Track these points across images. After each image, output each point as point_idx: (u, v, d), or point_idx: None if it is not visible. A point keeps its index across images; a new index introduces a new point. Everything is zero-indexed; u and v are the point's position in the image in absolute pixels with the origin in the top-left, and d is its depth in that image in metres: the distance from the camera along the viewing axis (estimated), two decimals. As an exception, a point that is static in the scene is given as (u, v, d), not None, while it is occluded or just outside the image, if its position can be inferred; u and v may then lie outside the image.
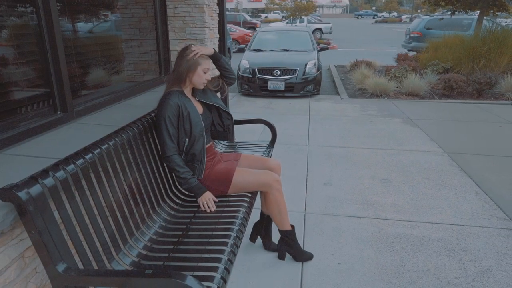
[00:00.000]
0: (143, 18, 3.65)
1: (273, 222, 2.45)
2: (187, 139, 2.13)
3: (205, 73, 2.19)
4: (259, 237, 2.63)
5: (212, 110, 2.39)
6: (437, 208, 3.14)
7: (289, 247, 2.44)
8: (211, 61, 2.25)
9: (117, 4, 3.52)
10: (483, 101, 7.14)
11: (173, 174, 2.13)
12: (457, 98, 7.34)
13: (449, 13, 11.93)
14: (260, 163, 2.42)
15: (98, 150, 1.71)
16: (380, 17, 62.88)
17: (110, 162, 1.76)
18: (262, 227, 2.58)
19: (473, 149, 4.55)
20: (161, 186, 2.20)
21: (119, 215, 1.75)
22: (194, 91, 2.29)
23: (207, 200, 2.14)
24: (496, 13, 10.50)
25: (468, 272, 2.35)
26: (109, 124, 2.41)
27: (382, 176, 3.76)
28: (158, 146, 2.25)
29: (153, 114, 2.29)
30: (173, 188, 2.33)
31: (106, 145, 1.77)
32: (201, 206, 2.14)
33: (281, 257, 2.48)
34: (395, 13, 70.38)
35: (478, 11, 10.39)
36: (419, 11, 53.91)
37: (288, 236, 2.40)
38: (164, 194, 2.21)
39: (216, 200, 2.20)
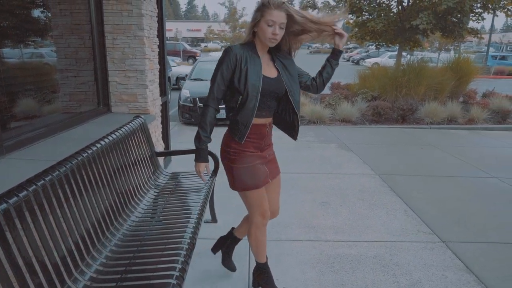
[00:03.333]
0: (80, 48, 3.57)
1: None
2: (240, 97, 1.97)
3: (269, 26, 1.87)
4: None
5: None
6: (371, 227, 3.37)
7: (262, 279, 2.40)
8: (283, 13, 1.87)
9: (51, 34, 3.42)
10: (407, 125, 7.87)
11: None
12: (384, 123, 8.00)
13: (374, 45, 13.12)
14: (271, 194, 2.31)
15: (34, 187, 1.63)
16: (314, 48, 66.76)
17: (46, 199, 1.69)
18: (225, 244, 2.57)
19: (401, 170, 4.97)
20: (101, 221, 2.12)
21: (56, 255, 1.67)
22: (275, 52, 2.03)
23: (200, 171, 2.15)
24: (413, 47, 11.77)
25: (400, 285, 2.54)
26: (45, 159, 2.30)
27: (321, 200, 3.96)
28: (102, 178, 2.19)
29: (94, 148, 2.23)
30: (115, 223, 2.27)
31: (42, 182, 1.70)
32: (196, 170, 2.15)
33: (255, 285, 2.45)
34: (327, 45, 75.34)
35: (398, 46, 11.56)
36: (348, 43, 58.27)
37: (262, 268, 2.40)
38: (104, 229, 2.14)
39: (209, 176, 2.35)
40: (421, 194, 4.14)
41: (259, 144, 2.12)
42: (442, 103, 8.52)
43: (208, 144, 2.13)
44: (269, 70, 2.03)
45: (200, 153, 2.10)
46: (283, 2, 1.87)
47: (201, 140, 2.06)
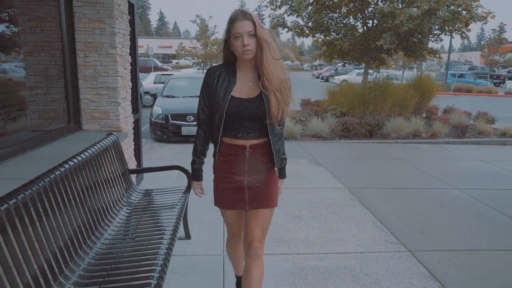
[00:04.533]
0: (50, 66, 3.55)
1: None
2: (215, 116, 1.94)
3: (235, 38, 1.78)
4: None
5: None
6: (342, 239, 3.48)
7: None
8: (248, 21, 1.77)
9: (17, 50, 3.39)
10: (374, 140, 8.18)
11: None
12: (353, 139, 8.27)
13: (341, 64, 13.62)
14: (250, 224, 2.14)
15: (5, 205, 1.62)
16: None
17: (18, 218, 1.67)
18: None
19: (369, 183, 5.16)
20: (74, 240, 2.10)
21: (28, 275, 1.65)
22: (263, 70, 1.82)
23: (193, 187, 2.28)
24: (378, 66, 12.31)
25: (370, 294, 2.64)
26: (14, 178, 2.27)
27: (293, 214, 4.04)
28: (75, 196, 2.18)
29: (66, 166, 2.22)
30: (88, 241, 2.24)
31: (14, 200, 1.68)
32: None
33: None
34: (297, 62, 77.21)
35: (364, 64, 12.07)
36: (317, 60, 59.98)
37: (239, 281, 2.51)
38: (77, 247, 2.12)
39: (203, 193, 2.30)
40: (388, 206, 4.31)
41: (235, 167, 2.01)
42: (406, 119, 8.93)
43: (184, 162, 2.19)
44: (246, 90, 1.89)
45: (192, 171, 2.25)
46: (242, 11, 1.81)
47: (193, 163, 2.21)
